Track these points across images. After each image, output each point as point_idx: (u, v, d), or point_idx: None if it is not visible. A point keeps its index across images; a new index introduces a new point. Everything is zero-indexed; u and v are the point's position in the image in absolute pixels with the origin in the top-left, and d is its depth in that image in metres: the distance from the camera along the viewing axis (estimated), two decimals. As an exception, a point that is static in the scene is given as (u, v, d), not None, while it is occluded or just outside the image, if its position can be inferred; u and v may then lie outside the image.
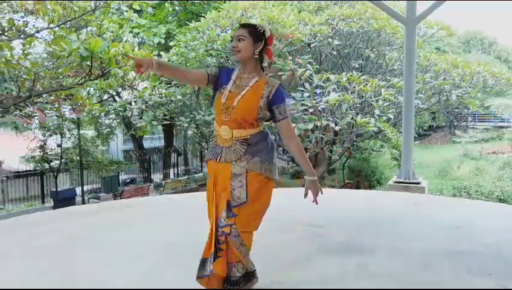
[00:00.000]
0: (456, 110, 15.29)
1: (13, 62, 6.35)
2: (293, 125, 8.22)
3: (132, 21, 13.96)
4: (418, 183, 7.38)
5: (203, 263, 2.65)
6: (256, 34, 2.59)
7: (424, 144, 31.83)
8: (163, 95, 10.85)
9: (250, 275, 2.82)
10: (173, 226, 4.71)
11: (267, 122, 2.74)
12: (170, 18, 15.28)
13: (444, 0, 7.36)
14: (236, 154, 2.57)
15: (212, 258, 2.59)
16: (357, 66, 10.93)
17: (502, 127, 34.04)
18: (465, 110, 16.75)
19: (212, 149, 2.68)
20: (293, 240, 4.06)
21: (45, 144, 18.57)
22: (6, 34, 7.23)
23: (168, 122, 11.85)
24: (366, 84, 9.02)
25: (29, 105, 7.25)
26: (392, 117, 9.54)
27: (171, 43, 12.25)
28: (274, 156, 2.71)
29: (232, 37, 2.40)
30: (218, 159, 2.62)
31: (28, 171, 19.12)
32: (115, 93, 14.24)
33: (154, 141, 26.37)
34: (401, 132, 8.54)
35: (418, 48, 11.25)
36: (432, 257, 3.64)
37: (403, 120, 7.63)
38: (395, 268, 3.38)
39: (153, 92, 10.97)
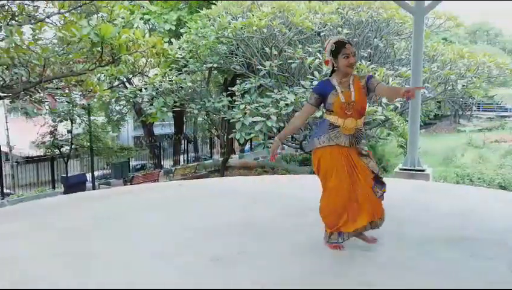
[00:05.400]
0: (461, 99, 15.28)
1: (23, 47, 6.20)
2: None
3: (143, 7, 13.70)
4: (423, 170, 7.36)
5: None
6: None
7: (429, 133, 31.67)
8: (174, 82, 10.66)
9: None
10: (183, 211, 4.64)
11: None
12: (181, 5, 14.99)
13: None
14: (359, 139, 3.26)
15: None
16: (365, 55, 10.72)
17: (504, 116, 34.11)
18: (470, 99, 16.79)
19: (337, 138, 3.20)
20: (304, 224, 3.96)
21: (55, 129, 18.37)
22: (16, 19, 7.08)
23: (179, 109, 11.69)
24: (375, 73, 8.84)
25: (40, 91, 7.10)
26: (398, 106, 9.41)
27: (182, 30, 12.04)
28: None
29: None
30: (346, 145, 3.20)
31: (39, 156, 18.98)
32: (125, 79, 14.06)
33: (164, 127, 26.32)
34: (407, 121, 8.42)
35: (426, 38, 11.02)
36: (434, 242, 3.58)
37: (410, 109, 7.58)
38: (396, 253, 3.34)
39: (164, 79, 10.79)
